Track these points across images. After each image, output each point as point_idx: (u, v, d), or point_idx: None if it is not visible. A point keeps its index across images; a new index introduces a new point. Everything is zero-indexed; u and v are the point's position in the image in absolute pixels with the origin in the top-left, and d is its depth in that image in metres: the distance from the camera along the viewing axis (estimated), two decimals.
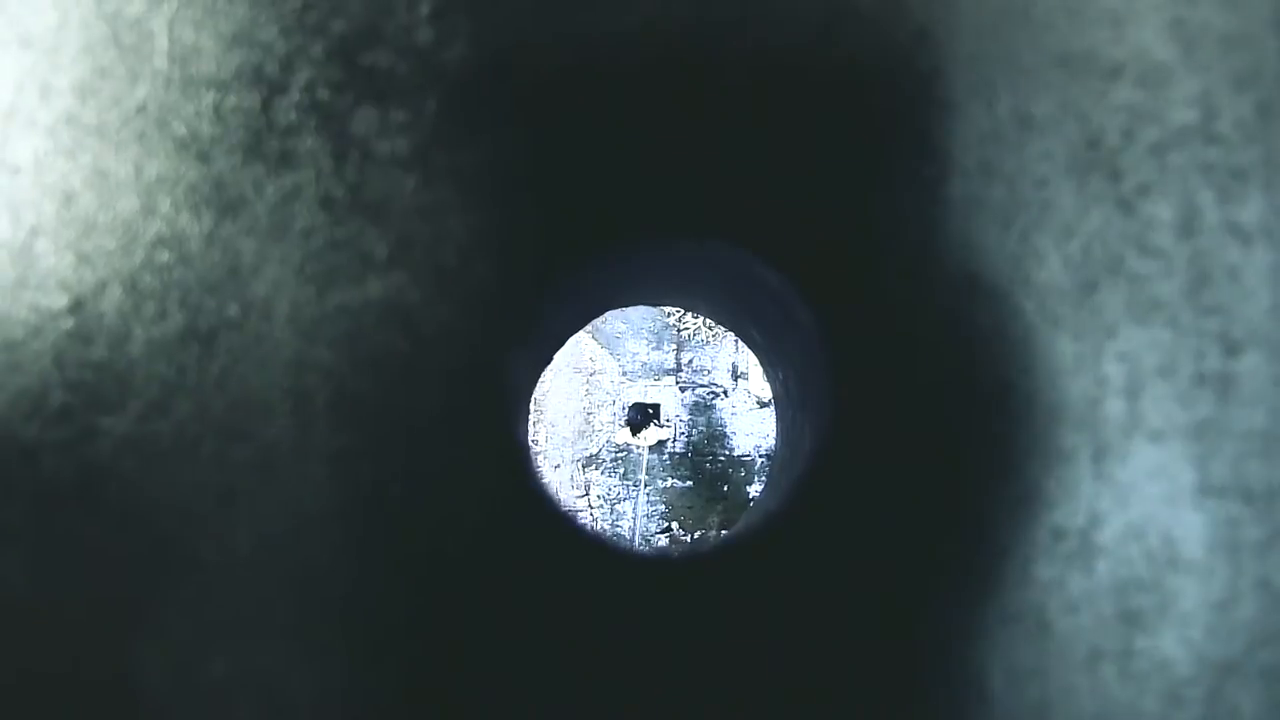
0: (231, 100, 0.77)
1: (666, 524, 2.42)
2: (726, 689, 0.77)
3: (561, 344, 1.35)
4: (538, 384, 1.37)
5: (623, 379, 2.40)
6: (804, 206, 0.78)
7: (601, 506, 2.40)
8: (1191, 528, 0.76)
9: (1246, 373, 0.77)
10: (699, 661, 0.77)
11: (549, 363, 1.33)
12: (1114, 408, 0.77)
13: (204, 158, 0.77)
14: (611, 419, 2.42)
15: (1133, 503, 0.77)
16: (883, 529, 0.77)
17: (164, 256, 0.77)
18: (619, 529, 2.45)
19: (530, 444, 0.94)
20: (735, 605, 0.78)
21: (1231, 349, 0.77)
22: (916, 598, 0.77)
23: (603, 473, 2.41)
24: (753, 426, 2.47)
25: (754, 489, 2.50)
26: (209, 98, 0.77)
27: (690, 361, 2.46)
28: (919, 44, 0.78)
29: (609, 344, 2.43)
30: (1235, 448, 0.77)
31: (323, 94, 0.77)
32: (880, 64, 0.79)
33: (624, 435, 2.42)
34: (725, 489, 2.46)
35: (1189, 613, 0.76)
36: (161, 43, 0.77)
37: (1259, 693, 0.76)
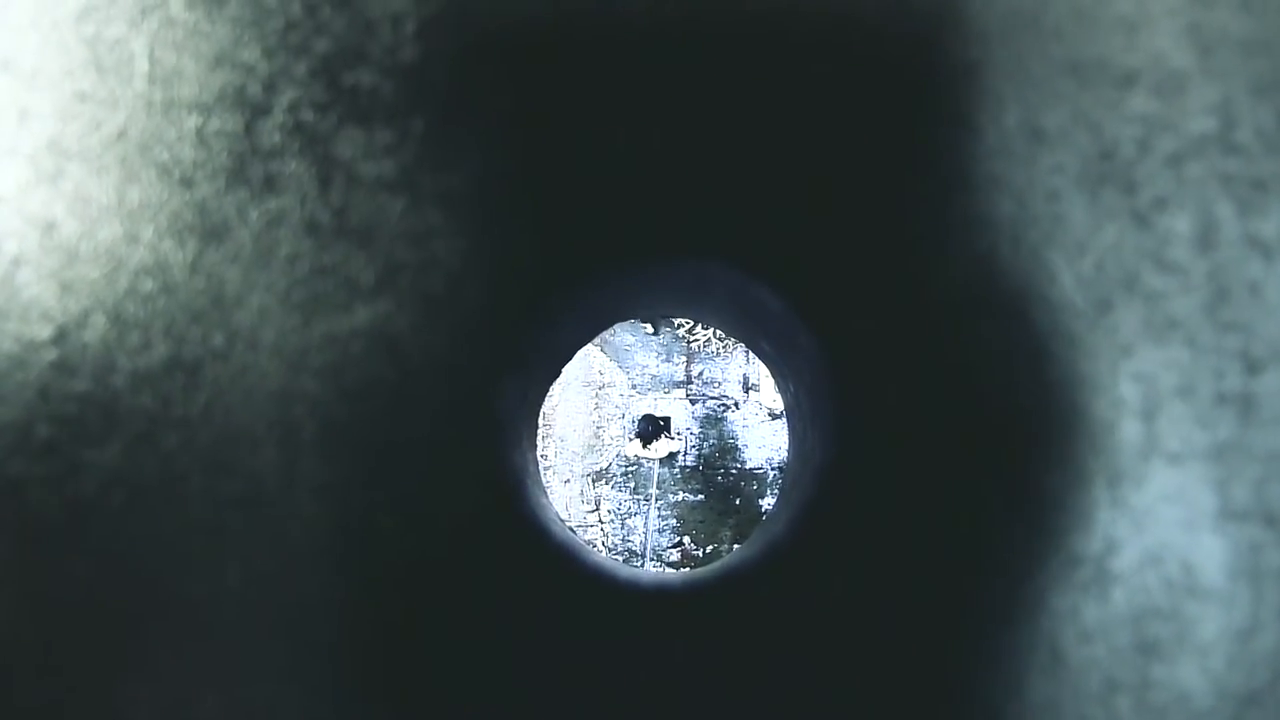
0: (214, 123, 0.75)
1: (678, 538, 2.39)
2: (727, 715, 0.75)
3: (569, 358, 1.33)
4: (545, 398, 1.35)
5: (632, 392, 2.38)
6: (803, 229, 0.75)
7: (612, 521, 2.38)
8: (1211, 554, 0.73)
9: (1268, 392, 0.74)
10: (698, 691, 0.75)
11: (557, 376, 1.31)
12: (1131, 430, 0.74)
13: (187, 183, 0.75)
14: (621, 432, 2.40)
15: (1150, 528, 0.74)
16: (890, 558, 0.75)
17: (148, 285, 0.75)
18: (630, 544, 2.42)
19: (530, 467, 0.91)
20: (735, 635, 0.75)
21: (1253, 367, 0.74)
22: (925, 629, 0.74)
23: (613, 487, 2.38)
24: (764, 439, 2.44)
25: (766, 502, 2.47)
26: (191, 121, 0.75)
27: (701, 374, 2.43)
28: (923, 55, 0.76)
29: (618, 357, 2.40)
30: (1257, 470, 0.74)
31: (306, 115, 0.75)
32: (882, 78, 0.76)
33: (634, 448, 2.39)
34: (737, 502, 2.43)
35: (1209, 642, 0.73)
36: (142, 65, 0.76)
37: None
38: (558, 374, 1.30)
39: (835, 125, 0.76)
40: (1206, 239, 0.75)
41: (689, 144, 0.76)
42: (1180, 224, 0.75)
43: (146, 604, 0.74)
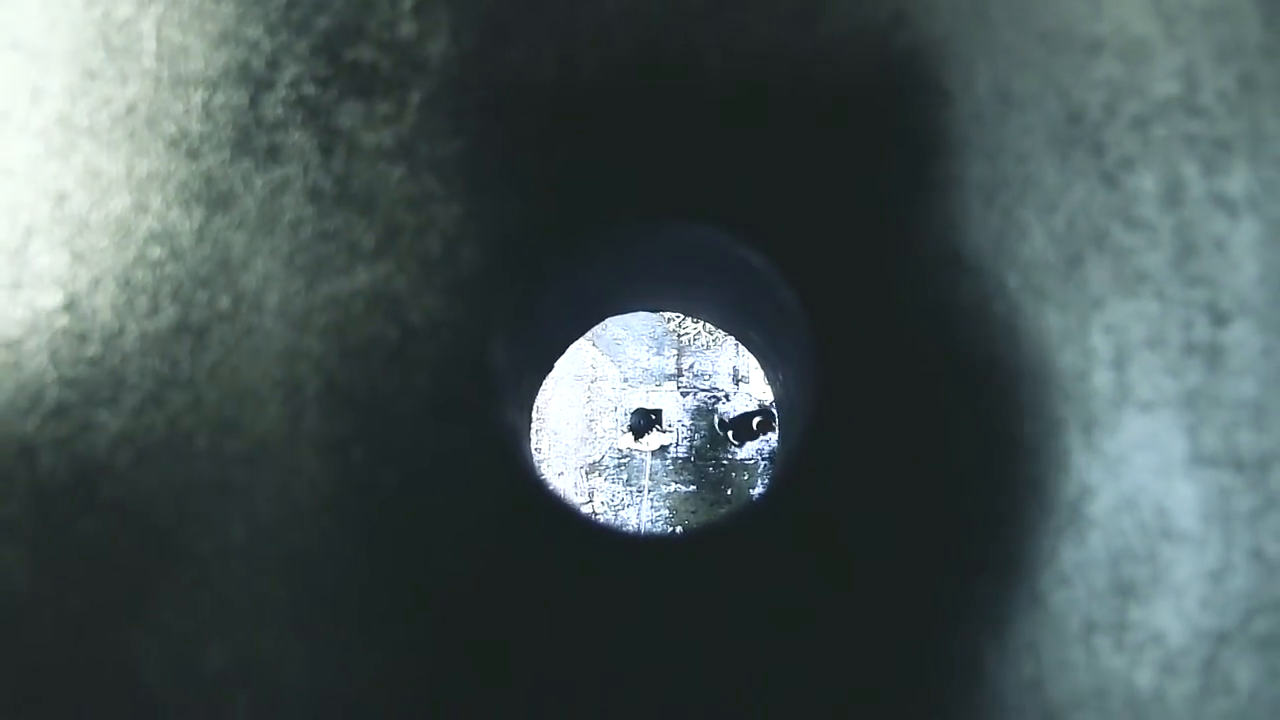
0: (220, 98, 0.79)
1: (671, 529, 2.42)
2: (727, 671, 0.77)
3: (562, 351, 1.36)
4: (539, 392, 1.38)
5: (624, 385, 2.40)
6: (784, 188, 0.79)
7: (606, 513, 2.40)
8: (1184, 498, 0.76)
9: (1235, 342, 0.77)
10: (700, 646, 0.77)
11: (550, 370, 1.33)
12: (1103, 379, 0.77)
13: (194, 154, 0.78)
14: (614, 425, 2.42)
15: (1124, 474, 0.76)
16: (870, 507, 0.77)
17: (156, 252, 0.78)
18: None
19: (526, 432, 0.94)
20: (737, 583, 0.78)
21: (1219, 319, 0.77)
22: (907, 576, 0.76)
23: (606, 479, 2.40)
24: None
25: (757, 491, 2.50)
26: (198, 96, 0.79)
27: (691, 366, 2.46)
28: (896, 25, 0.79)
29: (609, 350, 2.43)
30: (1226, 417, 0.77)
31: (308, 89, 0.78)
32: (857, 47, 0.79)
33: (626, 441, 2.42)
34: (729, 492, 2.45)
35: (1182, 583, 0.76)
36: (150, 44, 0.79)
37: (1254, 662, 0.75)
38: (550, 366, 1.32)
39: (813, 96, 0.79)
40: (1173, 197, 0.78)
41: (677, 110, 0.79)
42: (1147, 183, 0.78)
43: (155, 559, 0.76)
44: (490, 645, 0.77)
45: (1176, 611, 0.76)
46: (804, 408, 0.89)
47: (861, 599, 0.77)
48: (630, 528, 2.35)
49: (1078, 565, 0.76)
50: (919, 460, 0.77)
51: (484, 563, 0.77)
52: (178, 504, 0.77)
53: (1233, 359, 0.77)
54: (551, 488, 0.81)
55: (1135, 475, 0.76)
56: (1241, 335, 0.77)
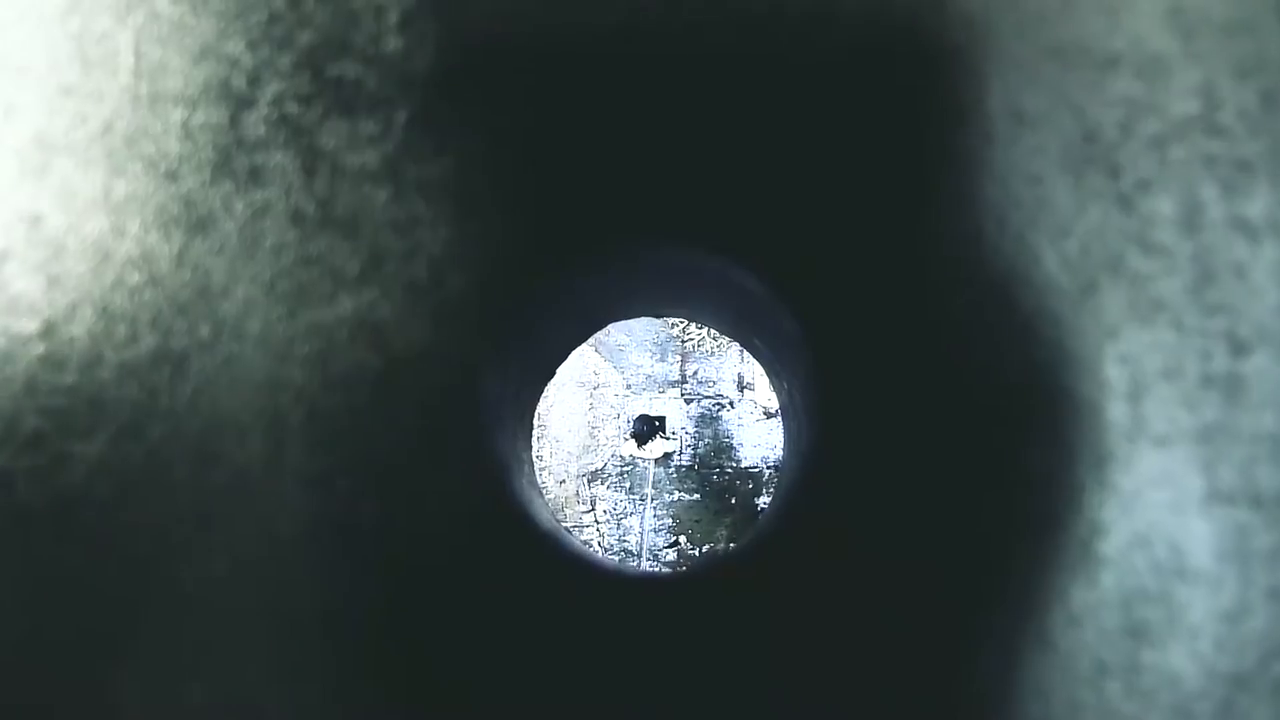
0: (199, 116, 0.76)
1: (674, 538, 2.39)
2: (726, 709, 0.75)
3: (563, 358, 1.33)
4: (539, 399, 1.35)
5: (627, 392, 2.38)
6: (784, 212, 0.76)
7: (608, 521, 2.37)
8: (1199, 536, 0.73)
9: (1255, 373, 0.74)
10: (686, 684, 0.75)
11: (551, 377, 1.31)
12: (1117, 412, 0.74)
13: (172, 176, 0.75)
14: (617, 432, 2.40)
15: (1138, 511, 0.73)
16: (876, 540, 0.74)
17: (134, 278, 0.75)
18: (626, 544, 2.42)
19: (519, 459, 0.91)
20: (727, 626, 0.75)
21: (1238, 349, 0.74)
22: (910, 613, 0.74)
23: (609, 487, 2.38)
24: (760, 437, 2.44)
25: (762, 500, 2.47)
26: (177, 114, 0.76)
27: (695, 373, 2.43)
28: (904, 41, 0.76)
29: (612, 357, 2.40)
30: (1244, 452, 0.74)
31: (291, 107, 0.76)
32: (863, 63, 0.76)
33: (629, 448, 2.39)
34: (733, 501, 2.42)
35: (1198, 625, 0.73)
36: (128, 59, 0.76)
37: (1272, 707, 0.72)
38: (551, 374, 1.30)
39: (819, 112, 0.76)
40: (1191, 221, 0.75)
41: (671, 131, 0.76)
42: (1164, 206, 0.75)
43: (135, 593, 0.74)
44: (476, 681, 0.75)
45: (1191, 654, 0.73)
46: (808, 435, 0.86)
47: (863, 636, 0.74)
48: (633, 538, 2.32)
49: (1089, 605, 0.73)
50: (923, 493, 0.74)
51: (469, 598, 0.75)
52: (158, 536, 0.75)
53: (1252, 391, 0.74)
54: (540, 521, 0.79)
55: (1149, 512, 0.73)
56: (1262, 366, 0.74)
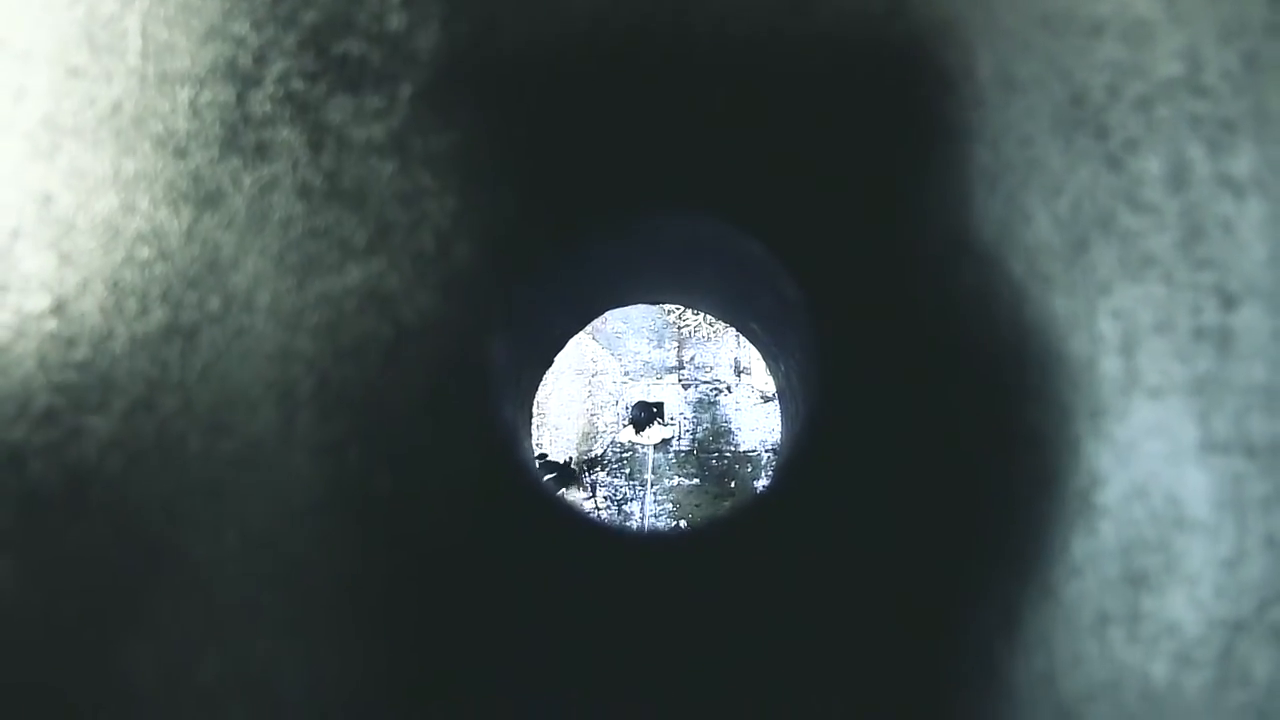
0: (206, 95, 0.77)
1: (674, 522, 2.40)
2: (726, 668, 0.76)
3: (561, 346, 1.34)
4: (538, 386, 1.36)
5: (625, 379, 2.39)
6: (783, 176, 0.77)
7: (609, 507, 2.38)
8: (1196, 485, 0.75)
9: (1244, 326, 0.76)
10: (696, 642, 0.76)
11: (550, 365, 1.32)
12: (1111, 365, 0.76)
13: (181, 153, 0.77)
14: (615, 419, 2.41)
15: (1134, 462, 0.75)
16: (877, 499, 0.76)
17: (144, 253, 0.76)
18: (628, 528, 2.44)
19: (522, 426, 0.93)
20: (734, 582, 0.76)
21: (1228, 302, 0.76)
22: (914, 571, 0.75)
23: (609, 473, 2.39)
24: (757, 421, 2.45)
25: (761, 484, 2.48)
26: (184, 93, 0.77)
27: (692, 358, 2.44)
28: (895, 12, 0.78)
29: (609, 344, 2.41)
30: (1236, 402, 0.75)
31: (296, 84, 0.77)
32: (857, 33, 0.78)
33: (628, 435, 2.40)
34: (732, 485, 2.44)
35: (1196, 572, 0.74)
36: (135, 41, 0.77)
37: (1271, 652, 0.74)
38: (549, 362, 1.31)
39: (815, 85, 0.78)
40: (1178, 179, 0.77)
41: (673, 102, 0.77)
42: (1152, 165, 0.77)
43: (147, 566, 0.75)
44: (489, 648, 0.75)
45: (1191, 601, 0.74)
46: (807, 399, 0.87)
47: (868, 595, 0.75)
48: (634, 522, 2.34)
49: (1089, 556, 0.74)
50: (925, 452, 0.76)
51: (482, 564, 0.76)
52: (170, 509, 0.75)
53: (1242, 343, 0.76)
54: (550, 487, 0.80)
55: (1146, 463, 0.75)
56: (1251, 318, 0.76)
